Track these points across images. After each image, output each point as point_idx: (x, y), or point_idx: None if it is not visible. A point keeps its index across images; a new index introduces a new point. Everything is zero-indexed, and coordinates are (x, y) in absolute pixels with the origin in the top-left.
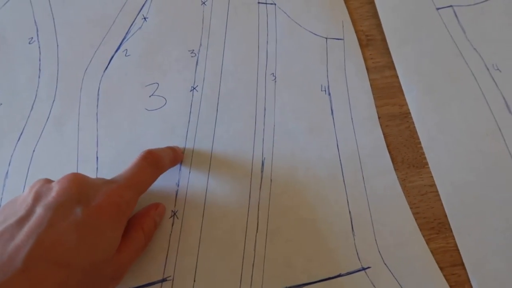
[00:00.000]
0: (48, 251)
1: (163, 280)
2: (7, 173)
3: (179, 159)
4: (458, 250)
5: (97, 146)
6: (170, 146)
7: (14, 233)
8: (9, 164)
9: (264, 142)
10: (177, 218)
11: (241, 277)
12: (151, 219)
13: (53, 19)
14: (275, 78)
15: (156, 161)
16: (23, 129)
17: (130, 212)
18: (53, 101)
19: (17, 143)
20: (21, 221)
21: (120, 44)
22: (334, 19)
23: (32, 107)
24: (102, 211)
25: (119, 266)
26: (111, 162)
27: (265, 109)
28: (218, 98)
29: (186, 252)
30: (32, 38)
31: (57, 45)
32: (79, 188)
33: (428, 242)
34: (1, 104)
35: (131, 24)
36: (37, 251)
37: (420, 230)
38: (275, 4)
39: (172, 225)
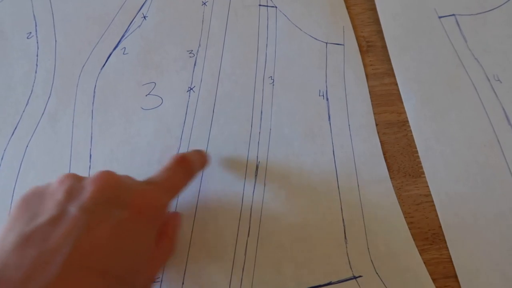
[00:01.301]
0: (86, 257)
1: None
2: None
3: (205, 163)
4: (451, 262)
5: (91, 143)
6: (197, 150)
7: (48, 234)
8: (1, 158)
9: (260, 145)
10: None
11: (230, 281)
12: (174, 227)
13: (53, 14)
14: (273, 82)
15: (190, 167)
16: (18, 124)
17: (163, 215)
18: (49, 97)
19: (10, 137)
20: (54, 220)
21: (119, 42)
22: (335, 24)
23: (28, 102)
24: (139, 214)
25: (150, 274)
26: (104, 160)
27: (261, 112)
28: (215, 99)
29: (176, 254)
30: (30, 33)
31: (55, 41)
32: (115, 190)
33: (421, 252)
34: None
35: (131, 23)
36: (75, 257)
37: (414, 240)
38: (276, 7)
39: None
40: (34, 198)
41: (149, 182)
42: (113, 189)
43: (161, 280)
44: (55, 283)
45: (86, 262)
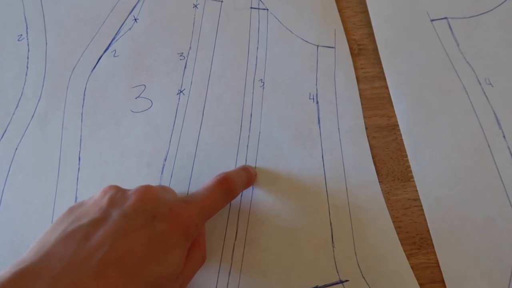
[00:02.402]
0: (121, 259)
1: None
2: None
3: (252, 182)
4: (439, 266)
5: (80, 146)
6: (244, 167)
7: (90, 233)
8: None
9: (248, 148)
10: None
11: (216, 285)
12: (203, 237)
13: (44, 16)
14: (263, 84)
15: (231, 189)
16: (7, 126)
17: (196, 235)
18: (39, 99)
19: (0, 139)
20: (96, 223)
21: (109, 44)
22: (327, 27)
23: (18, 104)
24: (173, 229)
25: (181, 283)
26: (93, 163)
27: (251, 115)
28: (205, 102)
29: None
30: (21, 35)
31: (46, 43)
32: (155, 203)
33: (408, 257)
34: None
35: (121, 25)
36: (111, 257)
37: (402, 244)
38: (267, 9)
39: None
40: (79, 207)
41: (186, 200)
42: (152, 202)
43: None
44: (90, 278)
45: (120, 264)
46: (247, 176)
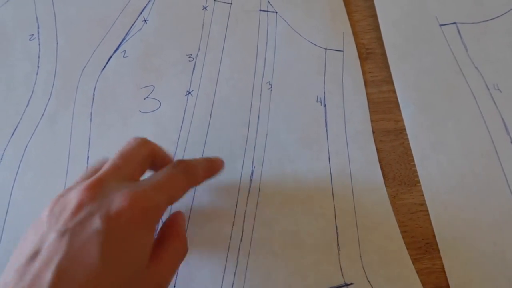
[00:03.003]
0: (71, 281)
1: None
2: None
3: (217, 169)
4: (444, 272)
5: (88, 145)
6: (207, 158)
7: (24, 273)
8: (1, 158)
9: (255, 150)
10: (162, 221)
11: (221, 286)
12: (180, 226)
13: (55, 17)
14: (271, 87)
15: (187, 168)
16: (18, 124)
17: (159, 218)
18: (49, 98)
19: (10, 138)
20: (33, 256)
21: (119, 45)
22: (335, 30)
23: (28, 103)
24: (126, 217)
25: (158, 278)
26: None
27: (258, 117)
28: (213, 104)
29: None
30: (32, 35)
31: (57, 43)
32: (98, 194)
33: (414, 262)
34: None
35: (131, 26)
36: (58, 286)
37: (407, 249)
38: (276, 12)
39: (157, 229)
40: (27, 236)
41: (138, 183)
42: (95, 195)
43: None
44: None
45: (72, 286)
46: (207, 163)
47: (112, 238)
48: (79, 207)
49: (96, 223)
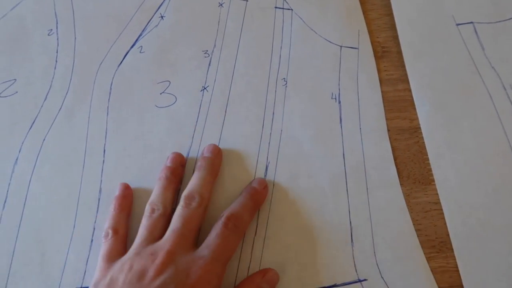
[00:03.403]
0: None
1: None
2: (16, 159)
3: (261, 201)
4: (458, 271)
5: (105, 139)
6: (250, 190)
7: None
8: (19, 151)
9: (270, 146)
10: None
11: (235, 280)
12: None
13: (73, 12)
14: (286, 83)
15: (237, 226)
16: (36, 118)
17: (221, 283)
18: (67, 92)
19: (28, 131)
20: None
21: (136, 40)
22: (350, 27)
23: (46, 97)
24: None
25: None
26: (117, 156)
27: (273, 113)
28: (228, 99)
29: None
30: (51, 30)
31: (75, 38)
32: (169, 268)
33: (427, 260)
34: (16, 92)
35: (148, 22)
36: None
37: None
38: (292, 9)
39: None
40: None
41: (201, 256)
42: (174, 270)
43: None
44: None
45: None
46: (252, 202)
47: None
48: (161, 282)
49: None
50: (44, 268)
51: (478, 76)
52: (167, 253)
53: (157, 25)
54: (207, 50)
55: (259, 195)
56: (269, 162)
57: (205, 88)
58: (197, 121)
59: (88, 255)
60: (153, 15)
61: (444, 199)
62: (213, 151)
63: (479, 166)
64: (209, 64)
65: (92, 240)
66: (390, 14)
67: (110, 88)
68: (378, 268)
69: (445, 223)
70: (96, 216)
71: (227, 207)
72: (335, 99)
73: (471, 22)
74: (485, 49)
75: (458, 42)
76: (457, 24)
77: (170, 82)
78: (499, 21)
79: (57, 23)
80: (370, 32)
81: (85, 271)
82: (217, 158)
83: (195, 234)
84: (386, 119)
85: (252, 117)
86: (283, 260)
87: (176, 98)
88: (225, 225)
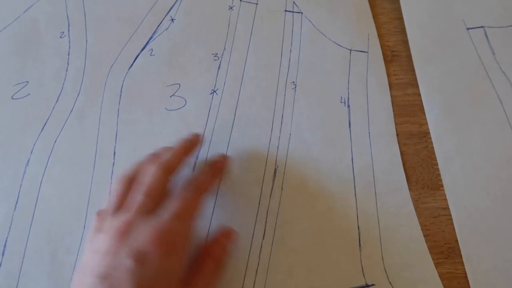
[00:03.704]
0: None
1: None
2: (28, 160)
3: (221, 169)
4: (466, 277)
5: (115, 141)
6: (209, 163)
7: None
8: (31, 152)
9: (279, 150)
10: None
11: (243, 283)
12: (220, 246)
13: (85, 15)
14: (295, 87)
15: (198, 186)
16: (47, 119)
17: (184, 243)
18: (78, 94)
19: (40, 132)
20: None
21: (146, 43)
22: (360, 31)
23: (58, 99)
24: (153, 252)
25: None
26: (127, 158)
27: (282, 116)
28: (237, 102)
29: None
30: (63, 32)
31: (86, 41)
32: (126, 237)
33: (436, 266)
34: (28, 94)
35: (159, 25)
36: None
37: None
38: (301, 13)
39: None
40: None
41: (159, 215)
42: (126, 240)
43: None
44: None
45: None
46: (213, 169)
47: (143, 273)
48: (113, 253)
49: (127, 263)
50: (54, 268)
51: (488, 80)
52: (123, 224)
53: (167, 28)
54: (217, 53)
55: (219, 163)
56: (277, 166)
57: (214, 91)
58: (206, 124)
59: None
60: (164, 18)
61: (453, 204)
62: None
63: (488, 171)
64: (219, 67)
65: None
66: (400, 18)
67: (121, 91)
68: (386, 273)
69: (453, 229)
70: None
71: (235, 208)
72: (344, 103)
73: (482, 26)
74: (495, 54)
75: (468, 46)
76: (468, 28)
77: (180, 85)
78: (510, 25)
79: (69, 25)
80: (380, 36)
81: None
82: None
83: (158, 202)
84: (395, 123)
85: (261, 120)
86: (291, 264)
87: (186, 101)
88: (184, 188)
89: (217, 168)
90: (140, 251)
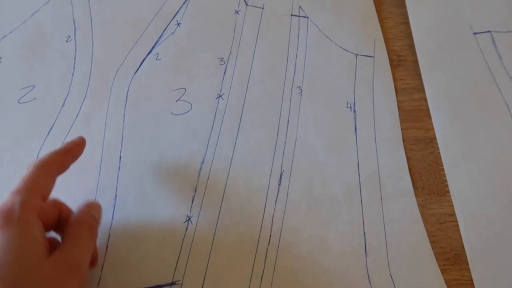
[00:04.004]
0: None
1: (172, 283)
2: None
3: (74, 152)
4: (472, 284)
5: (121, 145)
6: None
7: None
8: (37, 157)
9: (284, 155)
10: (191, 223)
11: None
12: (84, 213)
13: (91, 19)
14: (301, 91)
15: (42, 162)
16: (53, 123)
17: (29, 212)
18: (84, 98)
19: (46, 137)
20: None
21: (152, 47)
22: (366, 36)
23: (64, 103)
24: None
25: (67, 262)
26: (132, 162)
27: (288, 121)
28: (243, 107)
29: (197, 257)
30: (69, 36)
31: (93, 45)
32: None
33: (442, 273)
34: (35, 98)
35: (165, 29)
36: None
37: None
38: (307, 17)
39: (186, 229)
40: None
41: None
42: None
43: (182, 283)
44: None
45: None
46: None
47: None
48: None
49: None
50: None
51: (495, 86)
52: None
53: (173, 32)
54: (222, 58)
55: (72, 143)
56: (283, 171)
57: (220, 96)
58: (212, 129)
59: (103, 262)
60: (170, 22)
61: (460, 210)
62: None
63: (495, 178)
64: (225, 72)
65: (107, 247)
66: (406, 23)
67: (127, 95)
68: (392, 279)
69: (460, 235)
70: (111, 223)
71: (241, 213)
72: (350, 107)
73: (489, 31)
74: (502, 59)
75: (475, 51)
76: (475, 33)
77: (185, 89)
78: None
79: (75, 29)
80: (386, 40)
81: (100, 278)
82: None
83: None
84: (401, 129)
85: (267, 125)
86: (296, 270)
87: (191, 105)
88: (28, 166)
89: (67, 149)
90: None
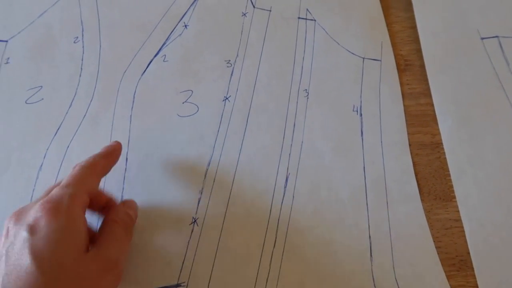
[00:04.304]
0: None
1: (177, 285)
2: (41, 165)
3: (114, 154)
4: None
5: (128, 147)
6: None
7: None
8: (44, 157)
9: (290, 157)
10: (197, 225)
11: None
12: (121, 212)
13: (99, 21)
14: (307, 95)
15: (89, 165)
16: (61, 124)
17: (77, 205)
18: (91, 100)
19: (53, 137)
20: None
21: (160, 49)
22: (373, 39)
23: (71, 104)
24: (43, 220)
25: (104, 259)
26: (139, 164)
27: (294, 124)
28: (249, 110)
29: (202, 260)
30: (77, 37)
31: (100, 46)
32: (20, 217)
33: (447, 278)
34: (42, 99)
35: (172, 31)
36: None
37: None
38: (315, 20)
39: (192, 232)
40: None
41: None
42: (20, 219)
43: (187, 285)
44: None
45: None
46: (103, 155)
47: (38, 240)
48: (7, 231)
49: (22, 235)
50: None
51: (502, 91)
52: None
53: (180, 34)
54: (229, 60)
55: (111, 147)
56: (289, 173)
57: (227, 98)
58: (218, 131)
59: None
60: (177, 24)
61: (465, 216)
62: None
63: (502, 183)
64: (232, 74)
65: None
66: (413, 27)
67: (134, 96)
68: (397, 284)
69: (465, 241)
70: None
71: (246, 216)
72: (357, 111)
73: (496, 36)
74: (510, 64)
75: (482, 56)
76: (482, 38)
77: (192, 92)
78: None
79: (82, 31)
80: (393, 44)
81: None
82: None
83: None
84: (408, 133)
85: (273, 127)
86: (301, 273)
87: (198, 107)
88: (74, 167)
89: (108, 152)
90: (32, 222)
